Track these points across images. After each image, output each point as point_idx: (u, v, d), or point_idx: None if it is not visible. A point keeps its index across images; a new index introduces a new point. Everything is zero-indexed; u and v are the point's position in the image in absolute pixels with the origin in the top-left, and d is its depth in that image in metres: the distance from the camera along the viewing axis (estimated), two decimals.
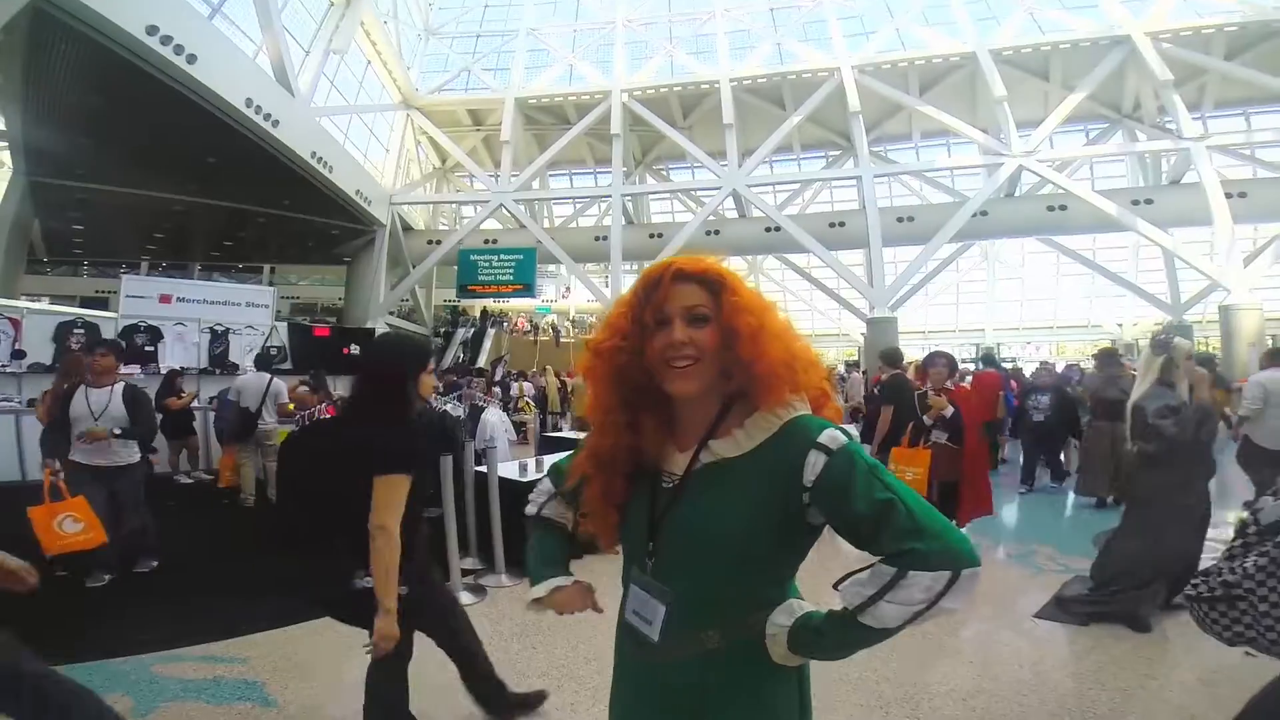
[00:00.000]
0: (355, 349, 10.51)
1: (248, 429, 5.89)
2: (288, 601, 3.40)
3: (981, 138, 16.06)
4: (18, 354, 6.96)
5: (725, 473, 0.91)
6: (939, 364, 4.38)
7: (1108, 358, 6.13)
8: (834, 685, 2.60)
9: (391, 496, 1.71)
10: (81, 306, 13.61)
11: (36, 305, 9.07)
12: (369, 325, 15.75)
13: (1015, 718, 2.41)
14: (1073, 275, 22.31)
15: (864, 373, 12.12)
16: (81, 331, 7.54)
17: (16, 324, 7.13)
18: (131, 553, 3.91)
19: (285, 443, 2.35)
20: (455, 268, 17.98)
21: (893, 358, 5.48)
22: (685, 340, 0.89)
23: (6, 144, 12.32)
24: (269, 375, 6.28)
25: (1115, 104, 17.38)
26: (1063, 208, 15.74)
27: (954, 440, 4.20)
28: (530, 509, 1.19)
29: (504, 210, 18.21)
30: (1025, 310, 25.21)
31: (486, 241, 18.86)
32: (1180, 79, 14.88)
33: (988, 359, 10.19)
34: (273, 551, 4.13)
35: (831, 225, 17.29)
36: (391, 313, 19.26)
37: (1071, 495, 6.34)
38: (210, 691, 2.49)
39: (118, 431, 3.68)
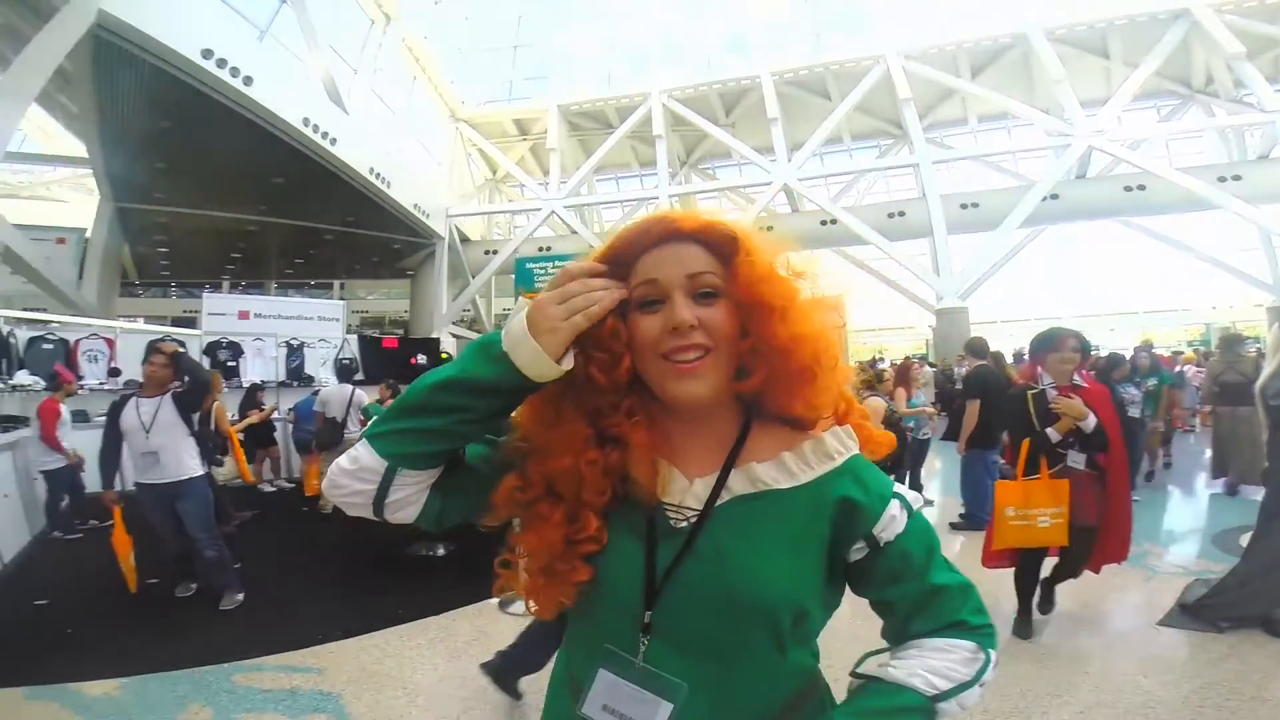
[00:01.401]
0: (422, 359, 10.81)
1: (335, 438, 6.07)
2: (362, 610, 3.47)
3: (1043, 119, 15.29)
4: (114, 372, 7.41)
5: (762, 509, 0.66)
6: (1066, 348, 2.89)
7: (1231, 342, 6.11)
8: None
9: None
10: (172, 325, 14.55)
11: (130, 325, 9.66)
12: (434, 335, 16.19)
13: None
14: (1157, 258, 20.84)
15: (934, 366, 11.62)
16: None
17: (111, 343, 7.59)
18: (215, 589, 3.61)
19: None
20: (512, 276, 18.32)
21: (977, 348, 5.23)
22: (693, 322, 0.64)
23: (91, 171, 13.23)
24: (350, 386, 6.52)
25: (1185, 79, 16.28)
26: (1141, 188, 14.80)
27: (1091, 463, 2.91)
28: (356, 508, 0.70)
29: (555, 217, 18.46)
30: (1106, 296, 23.68)
31: (540, 249, 19.15)
32: (1253, 51, 13.85)
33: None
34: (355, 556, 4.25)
35: (891, 215, 16.73)
36: (455, 322, 19.78)
37: (1172, 490, 6.07)
38: (287, 703, 2.53)
39: (182, 350, 3.70)
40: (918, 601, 0.68)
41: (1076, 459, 2.89)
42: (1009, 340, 16.88)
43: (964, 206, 16.24)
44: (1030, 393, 2.98)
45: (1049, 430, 2.88)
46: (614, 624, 0.67)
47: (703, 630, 0.64)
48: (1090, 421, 2.77)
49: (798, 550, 0.65)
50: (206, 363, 8.50)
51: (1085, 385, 2.93)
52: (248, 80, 10.26)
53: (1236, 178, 14.21)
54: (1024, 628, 3.02)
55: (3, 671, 2.72)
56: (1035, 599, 3.07)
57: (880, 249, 16.00)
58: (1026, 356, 3.69)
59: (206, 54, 9.55)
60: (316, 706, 2.50)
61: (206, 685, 2.67)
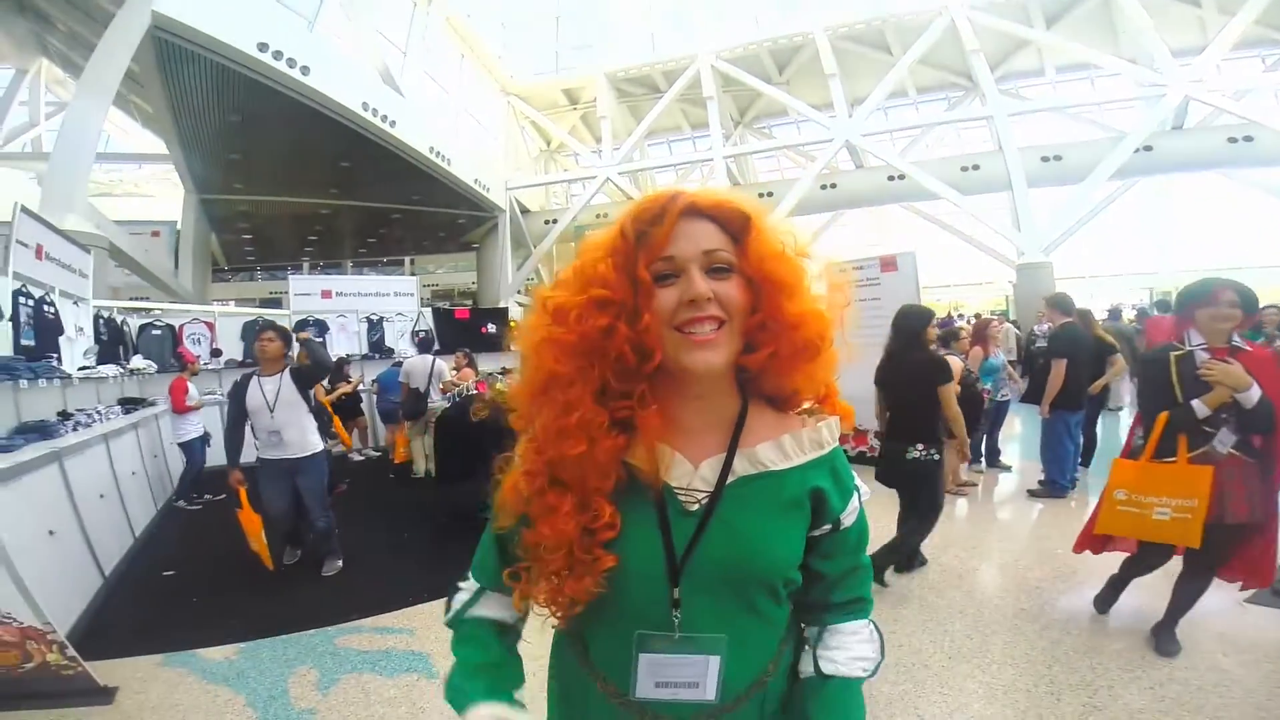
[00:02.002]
0: (492, 328, 11.19)
1: (420, 408, 6.39)
2: (448, 572, 3.69)
3: (1131, 69, 13.93)
4: (215, 352, 8.03)
5: (762, 487, 0.72)
6: (1222, 301, 2.29)
7: None
8: (997, 666, 2.40)
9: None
10: (260, 306, 15.53)
11: (225, 308, 10.38)
12: (501, 305, 16.62)
13: (1212, 711, 2.12)
14: (1262, 212, 18.84)
15: (1015, 323, 11.04)
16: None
17: (211, 326, 8.21)
18: (318, 556, 3.91)
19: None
20: (573, 245, 18.51)
21: (1063, 303, 4.97)
22: (709, 294, 0.66)
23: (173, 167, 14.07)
24: (431, 357, 6.91)
25: None
26: (1248, 138, 13.40)
27: (1248, 448, 2.32)
28: (448, 615, 0.86)
29: (611, 184, 18.41)
30: (1204, 251, 21.64)
31: (598, 216, 19.20)
32: None
33: (1162, 305, 8.92)
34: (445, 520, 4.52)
35: (964, 169, 15.76)
36: (521, 291, 20.25)
37: None
38: (382, 664, 2.76)
39: (306, 334, 3.90)
40: (842, 575, 0.80)
41: (1225, 440, 2.30)
42: (1094, 298, 15.79)
43: (1045, 159, 15.12)
44: (1175, 355, 2.40)
45: (1195, 403, 2.29)
46: (643, 606, 0.71)
47: (721, 596, 0.71)
48: (1253, 394, 2.19)
49: (789, 524, 0.73)
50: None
51: (1247, 348, 2.34)
52: (305, 70, 10.58)
53: None
54: (1106, 602, 2.85)
55: (139, 640, 3.02)
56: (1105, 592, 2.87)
57: (954, 203, 15.15)
58: (1155, 311, 3.35)
59: (262, 47, 9.87)
60: (409, 666, 2.72)
61: (313, 648, 2.92)
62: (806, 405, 0.78)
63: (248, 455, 3.63)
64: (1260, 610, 2.81)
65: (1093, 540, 2.76)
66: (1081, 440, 5.17)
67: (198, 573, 3.95)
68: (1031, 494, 4.86)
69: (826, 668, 0.78)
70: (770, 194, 17.34)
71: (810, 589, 0.79)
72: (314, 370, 3.65)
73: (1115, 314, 10.12)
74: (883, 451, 3.41)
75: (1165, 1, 14.25)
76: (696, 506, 0.71)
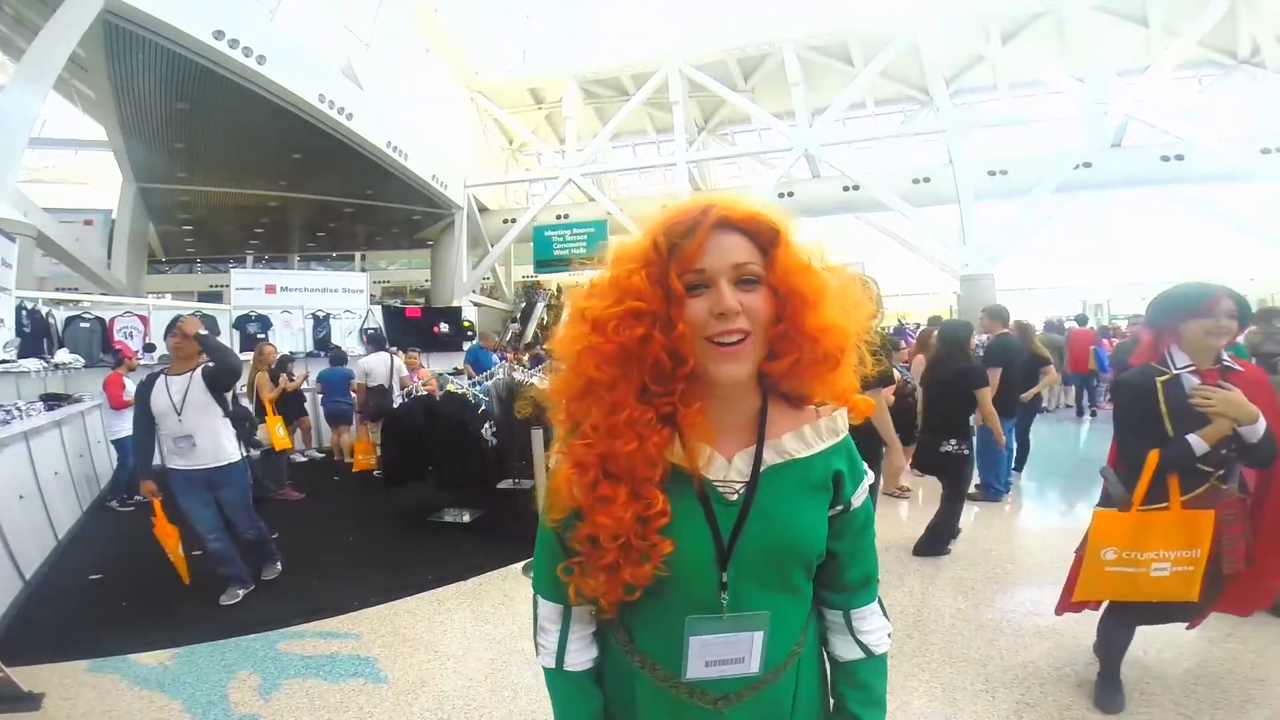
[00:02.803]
0: (445, 327, 10.99)
1: (385, 406, 6.13)
2: (394, 577, 3.64)
3: (1077, 86, 14.75)
4: (149, 347, 7.66)
5: (790, 474, 0.78)
6: (1218, 312, 1.92)
7: (1269, 314, 6.03)
8: (936, 665, 2.49)
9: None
10: (199, 300, 14.88)
11: (161, 302, 9.92)
12: (455, 304, 16.36)
13: (1134, 708, 2.23)
14: (1196, 229, 20.17)
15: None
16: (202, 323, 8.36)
17: (145, 320, 7.84)
18: (255, 565, 3.65)
19: None
20: (531, 244, 18.40)
21: (1000, 314, 5.22)
22: (738, 308, 0.70)
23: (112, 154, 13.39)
24: (388, 354, 6.78)
25: (1230, 49, 15.53)
26: (1179, 157, 14.32)
27: (1241, 483, 2.07)
28: (546, 659, 0.86)
29: (573, 185, 18.39)
30: (1142, 265, 22.97)
31: (559, 217, 19.11)
32: None
33: (1080, 319, 9.69)
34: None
35: (916, 181, 16.35)
36: (475, 290, 19.93)
37: None
38: (327, 669, 2.69)
39: (204, 332, 3.33)
40: (852, 553, 0.86)
41: (1233, 476, 1.98)
42: (1038, 308, 16.55)
43: (992, 173, 15.82)
44: (1160, 379, 2.00)
45: (1192, 439, 1.91)
46: (694, 590, 0.76)
47: (763, 576, 0.77)
48: (1259, 426, 1.85)
49: (815, 506, 0.80)
50: (236, 336, 8.74)
51: (1238, 368, 2.01)
52: (261, 59, 10.23)
53: None
54: (1110, 698, 2.25)
55: (65, 645, 2.89)
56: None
57: (904, 215, 15.70)
58: (1074, 325, 3.47)
59: (218, 35, 9.51)
60: (355, 671, 2.66)
61: (253, 653, 2.83)
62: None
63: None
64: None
65: (1075, 605, 2.36)
66: (1016, 446, 5.43)
67: (128, 576, 3.78)
68: (969, 498, 5.06)
69: (877, 649, 0.88)
70: None
71: (826, 567, 0.86)
72: (222, 372, 3.29)
73: (1052, 326, 10.63)
74: (920, 444, 3.91)
75: (1115, 21, 15.05)
76: (735, 496, 0.76)
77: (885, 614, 0.91)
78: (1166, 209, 19.20)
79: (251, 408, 5.88)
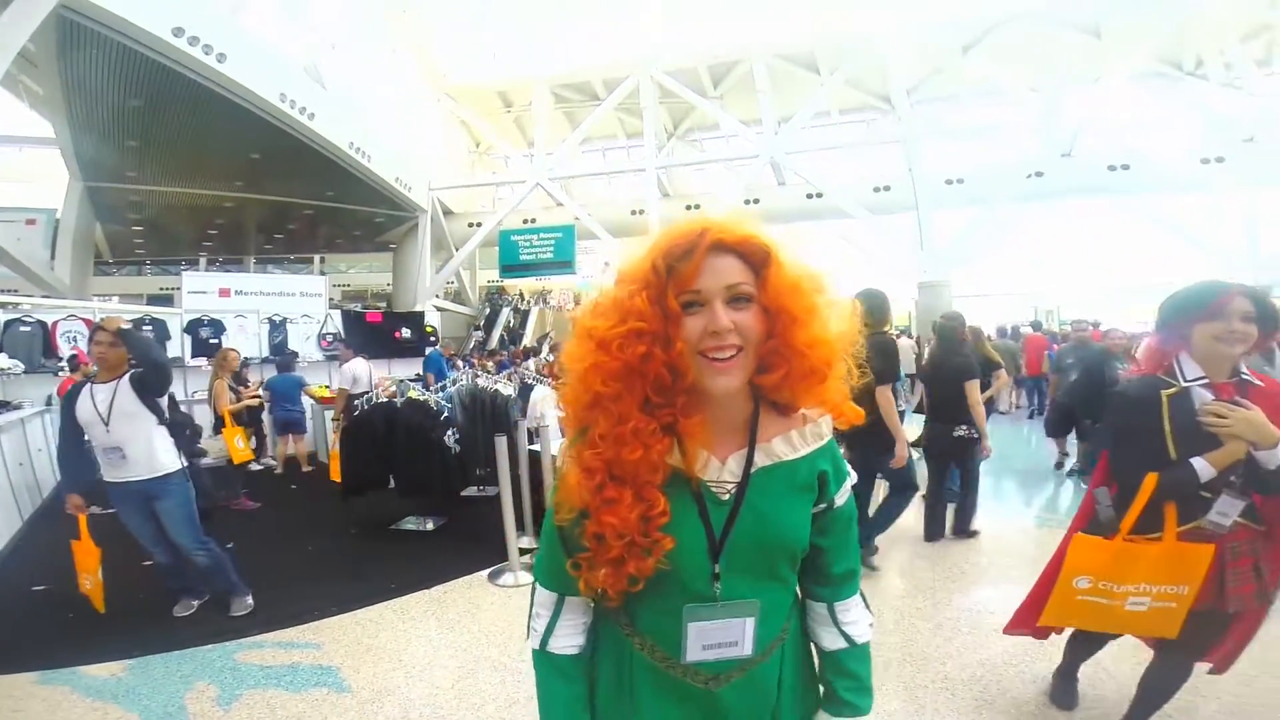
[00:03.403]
0: (407, 333, 10.79)
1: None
2: (356, 586, 3.57)
3: (1031, 96, 15.36)
4: None
5: (778, 475, 0.85)
6: (1232, 314, 1.66)
7: None
8: (897, 664, 2.57)
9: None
10: (148, 304, 14.34)
11: (107, 305, 9.55)
12: (418, 309, 16.12)
13: (1087, 704, 2.32)
14: (1143, 236, 21.14)
15: (915, 339, 11.79)
16: (150, 327, 8.00)
17: (90, 324, 7.50)
18: (217, 595, 3.35)
19: None
20: (496, 249, 18.23)
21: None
22: (730, 327, 0.75)
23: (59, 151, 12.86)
24: (367, 361, 6.65)
25: (1176, 61, 16.41)
26: (1125, 167, 15.03)
27: (1253, 511, 1.73)
28: (534, 640, 0.93)
29: (541, 189, 18.31)
30: (1093, 272, 23.92)
31: (525, 221, 19.00)
32: (1247, 33, 14.16)
33: (1035, 324, 10.12)
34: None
35: (876, 190, 16.78)
36: (439, 295, 19.66)
37: None
38: (288, 678, 2.63)
39: (127, 326, 3.08)
40: (836, 547, 0.93)
41: (1227, 509, 1.68)
42: (992, 314, 17.09)
43: (949, 182, 16.32)
44: (1166, 393, 1.73)
45: (1198, 463, 1.65)
46: (690, 581, 0.83)
47: (751, 567, 0.84)
48: (1279, 451, 1.58)
49: (801, 505, 0.87)
50: (188, 341, 8.45)
51: (1259, 383, 1.71)
52: (221, 57, 9.98)
53: (1220, 160, 14.44)
54: (1065, 696, 2.29)
55: (10, 657, 2.78)
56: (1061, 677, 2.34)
57: (864, 222, 16.10)
58: (1029, 330, 3.46)
59: (177, 32, 9.26)
60: (317, 681, 2.60)
61: (210, 664, 2.75)
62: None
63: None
64: None
65: (1033, 629, 2.13)
66: None
67: (75, 587, 3.61)
68: (924, 498, 5.20)
69: (860, 639, 0.96)
70: (697, 206, 17.75)
71: (813, 562, 0.93)
72: (151, 375, 3.04)
73: (1003, 332, 11.02)
74: (929, 432, 4.25)
75: (1068, 33, 15.70)
76: (728, 496, 0.83)
77: (868, 606, 0.98)
78: (1115, 216, 20.04)
79: (210, 417, 5.68)
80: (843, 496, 0.91)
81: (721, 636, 0.85)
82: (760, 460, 0.84)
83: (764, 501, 0.84)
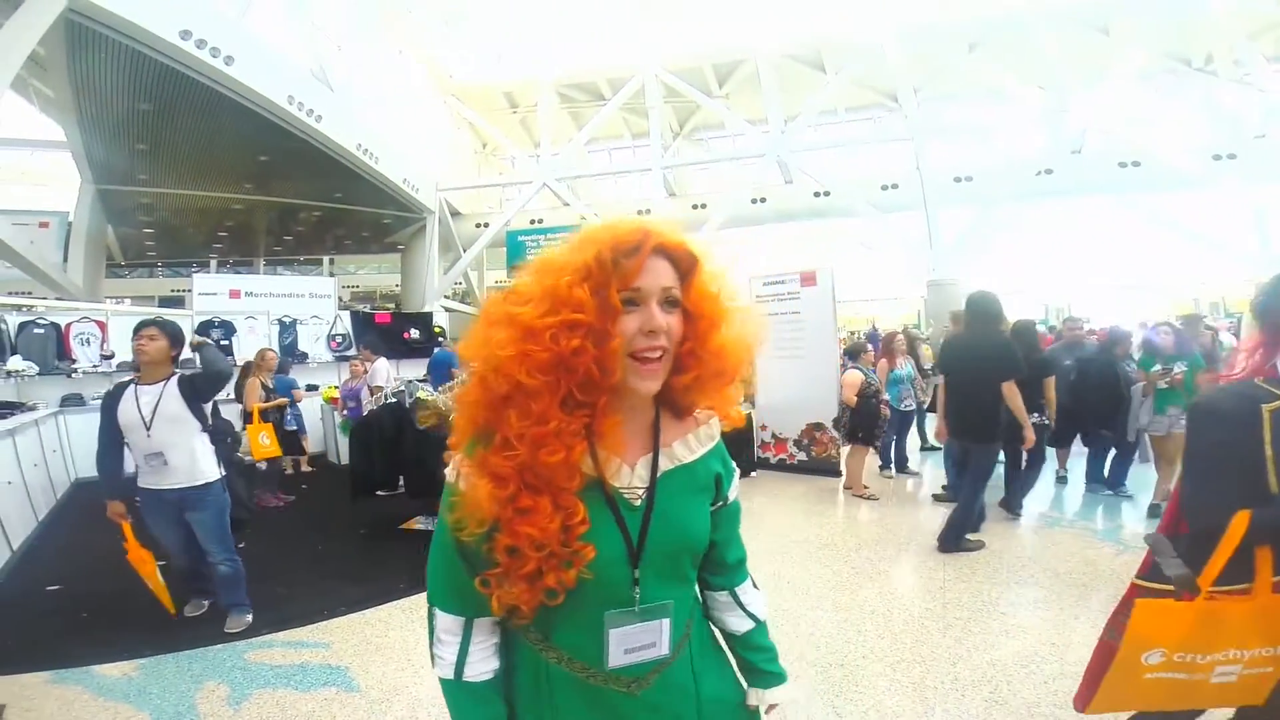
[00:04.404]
0: (415, 333, 10.84)
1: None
2: (365, 585, 3.58)
3: (1039, 95, 15.23)
4: (107, 355, 7.43)
5: (680, 478, 0.87)
6: None
7: (1191, 321, 6.23)
8: (906, 665, 2.55)
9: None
10: (160, 305, 14.47)
11: (119, 307, 9.64)
12: (426, 309, 16.18)
13: None
14: (1153, 233, 20.95)
15: (926, 339, 11.72)
16: (219, 329, 8.37)
17: (103, 326, 7.60)
18: (222, 606, 3.24)
19: None
20: (504, 249, 18.28)
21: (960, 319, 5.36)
22: (665, 326, 0.77)
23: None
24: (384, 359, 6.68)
25: (1184, 58, 16.29)
26: (1135, 164, 14.87)
27: None
28: (444, 669, 0.85)
29: (547, 189, 18.35)
30: (1101, 270, 23.72)
31: (532, 222, 19.05)
32: (1255, 31, 13.97)
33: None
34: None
35: (884, 188, 16.70)
36: (447, 296, 19.72)
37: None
38: (298, 678, 2.64)
39: (202, 339, 3.10)
40: (731, 540, 0.99)
41: None
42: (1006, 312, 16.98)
43: (958, 180, 16.22)
44: (1269, 408, 1.32)
45: None
46: (610, 588, 0.81)
47: (665, 570, 0.85)
48: None
49: (701, 505, 0.90)
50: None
51: None
52: (229, 60, 10.02)
53: (1232, 156, 14.29)
54: None
55: (25, 657, 2.81)
56: None
57: (873, 220, 16.02)
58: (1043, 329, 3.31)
59: (185, 35, 9.29)
60: (326, 680, 2.62)
61: (220, 663, 2.77)
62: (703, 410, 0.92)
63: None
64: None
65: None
66: None
67: (88, 587, 3.66)
68: (936, 498, 5.18)
69: (762, 615, 1.04)
70: (704, 205, 17.76)
71: (709, 555, 0.97)
72: (208, 381, 3.00)
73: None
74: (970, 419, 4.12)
75: (1078, 29, 15.56)
76: (639, 501, 0.83)
77: (756, 585, 1.05)
78: (1124, 214, 19.87)
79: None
80: (734, 492, 0.97)
81: (642, 639, 0.84)
82: (663, 464, 0.86)
83: (672, 504, 0.85)
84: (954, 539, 3.93)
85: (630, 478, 0.83)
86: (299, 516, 5.36)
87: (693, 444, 0.89)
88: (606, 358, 0.75)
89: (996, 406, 3.89)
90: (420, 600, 3.38)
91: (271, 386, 5.85)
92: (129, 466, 3.11)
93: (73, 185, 13.51)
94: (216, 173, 14.22)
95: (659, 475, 0.84)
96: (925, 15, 16.09)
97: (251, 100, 10.85)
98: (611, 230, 0.79)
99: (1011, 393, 3.85)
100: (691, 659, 0.93)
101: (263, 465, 5.56)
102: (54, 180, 16.99)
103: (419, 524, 4.79)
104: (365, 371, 6.58)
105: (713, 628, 1.03)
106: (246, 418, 5.42)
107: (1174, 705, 1.48)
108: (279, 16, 12.66)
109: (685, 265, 0.81)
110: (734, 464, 0.99)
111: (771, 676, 1.02)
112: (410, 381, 5.24)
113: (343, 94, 13.68)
